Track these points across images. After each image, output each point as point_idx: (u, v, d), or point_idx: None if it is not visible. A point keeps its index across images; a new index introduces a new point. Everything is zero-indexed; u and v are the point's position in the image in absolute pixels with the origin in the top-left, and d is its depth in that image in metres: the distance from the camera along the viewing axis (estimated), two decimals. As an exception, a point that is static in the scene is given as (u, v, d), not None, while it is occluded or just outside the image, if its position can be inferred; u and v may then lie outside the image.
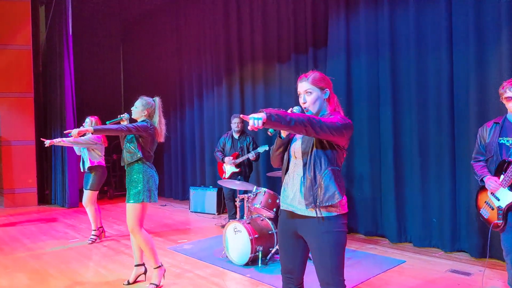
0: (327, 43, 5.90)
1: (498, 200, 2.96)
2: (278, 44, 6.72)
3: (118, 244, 5.39)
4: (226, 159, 5.90)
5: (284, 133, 2.27)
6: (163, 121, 3.69)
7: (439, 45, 4.66)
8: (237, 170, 5.88)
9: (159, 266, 3.68)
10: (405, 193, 5.07)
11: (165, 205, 8.55)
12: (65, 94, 8.47)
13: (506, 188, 2.90)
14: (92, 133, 3.36)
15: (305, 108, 2.25)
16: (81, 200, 5.63)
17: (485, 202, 3.07)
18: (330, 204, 2.12)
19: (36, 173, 8.92)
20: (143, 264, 3.85)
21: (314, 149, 2.16)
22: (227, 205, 6.15)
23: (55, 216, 7.55)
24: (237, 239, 4.31)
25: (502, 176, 2.92)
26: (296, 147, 2.25)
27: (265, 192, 4.45)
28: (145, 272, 3.85)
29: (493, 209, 3.00)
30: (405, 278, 3.89)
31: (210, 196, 7.41)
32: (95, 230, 5.52)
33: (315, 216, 2.15)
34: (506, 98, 2.93)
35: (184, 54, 8.92)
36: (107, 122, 3.65)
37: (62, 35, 8.56)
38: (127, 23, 10.86)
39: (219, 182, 4.93)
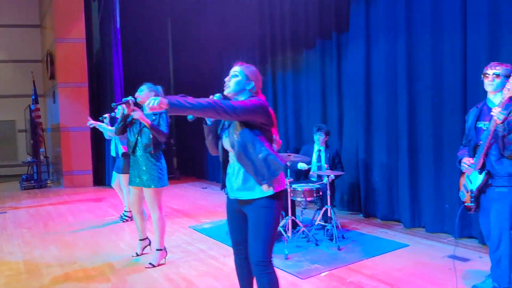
0: (349, 28, 5.88)
1: (471, 182, 2.93)
2: (305, 30, 6.78)
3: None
4: None
5: (208, 120, 2.44)
6: None
7: (454, 27, 4.51)
8: None
9: (162, 249, 3.99)
10: (419, 179, 5.03)
11: (206, 188, 9.05)
12: (114, 83, 9.19)
13: (477, 171, 2.86)
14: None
15: (226, 84, 2.41)
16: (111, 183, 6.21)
17: (462, 184, 3.05)
18: (276, 175, 2.32)
19: (92, 157, 9.79)
20: (147, 238, 4.26)
21: (239, 139, 2.31)
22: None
23: (104, 196, 8.27)
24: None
25: (474, 159, 2.88)
26: (225, 142, 2.43)
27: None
28: (149, 244, 4.25)
29: (468, 191, 2.97)
30: (399, 261, 3.95)
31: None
32: (128, 211, 5.95)
33: (257, 198, 2.34)
34: (483, 74, 2.85)
35: (224, 44, 9.10)
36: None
37: (110, 29, 9.25)
38: (175, 14, 11.30)
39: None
